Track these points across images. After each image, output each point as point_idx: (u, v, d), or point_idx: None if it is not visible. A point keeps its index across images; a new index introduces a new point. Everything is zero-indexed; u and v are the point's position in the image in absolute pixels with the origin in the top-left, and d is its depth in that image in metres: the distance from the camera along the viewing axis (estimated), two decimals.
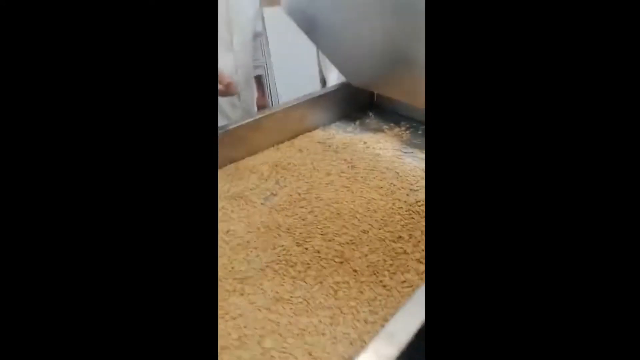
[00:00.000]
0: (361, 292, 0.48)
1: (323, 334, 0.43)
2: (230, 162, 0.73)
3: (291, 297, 0.47)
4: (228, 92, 0.66)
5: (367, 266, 0.52)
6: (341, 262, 0.53)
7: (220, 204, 0.63)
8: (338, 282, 0.50)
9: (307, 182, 0.68)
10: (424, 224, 0.58)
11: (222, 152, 0.72)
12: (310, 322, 0.44)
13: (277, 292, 0.48)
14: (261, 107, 1.06)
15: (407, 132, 0.85)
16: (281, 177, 0.70)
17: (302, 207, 0.63)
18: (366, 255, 0.54)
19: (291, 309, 0.46)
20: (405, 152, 0.78)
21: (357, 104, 0.94)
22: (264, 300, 0.47)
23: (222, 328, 0.43)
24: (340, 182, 0.69)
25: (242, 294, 0.48)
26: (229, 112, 0.94)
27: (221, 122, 0.84)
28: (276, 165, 0.73)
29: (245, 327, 0.44)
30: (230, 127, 0.73)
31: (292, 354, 0.41)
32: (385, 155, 0.77)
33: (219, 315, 0.45)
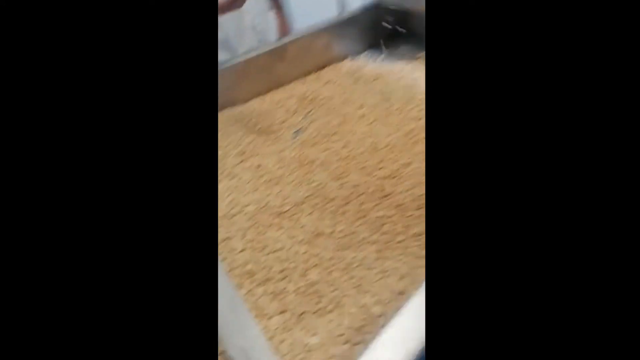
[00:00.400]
0: (408, 227, 0.44)
1: (370, 268, 0.40)
2: (256, 97, 0.66)
3: (333, 231, 0.44)
4: (233, 5, 0.56)
5: (412, 200, 0.47)
6: (383, 197, 0.48)
7: (248, 139, 0.58)
8: (382, 217, 0.45)
9: (338, 116, 0.62)
10: None
11: (246, 85, 0.65)
12: (355, 256, 0.41)
13: (317, 227, 0.44)
14: (283, 34, 0.94)
15: None
16: (310, 111, 0.63)
17: (335, 141, 0.57)
18: (409, 189, 0.48)
19: (334, 243, 0.42)
20: None
21: (387, 30, 0.82)
22: (304, 234, 0.43)
23: (263, 261, 0.41)
24: (375, 115, 0.61)
25: (280, 228, 0.44)
26: (247, 41, 0.84)
27: (238, 52, 0.75)
28: (303, 99, 0.66)
29: (287, 260, 0.41)
30: (251, 55, 0.65)
31: (339, 288, 0.38)
32: (422, 85, 0.68)
33: (258, 249, 0.42)
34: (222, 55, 0.68)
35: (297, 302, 0.37)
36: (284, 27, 0.93)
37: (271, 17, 0.91)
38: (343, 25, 0.75)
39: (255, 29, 0.86)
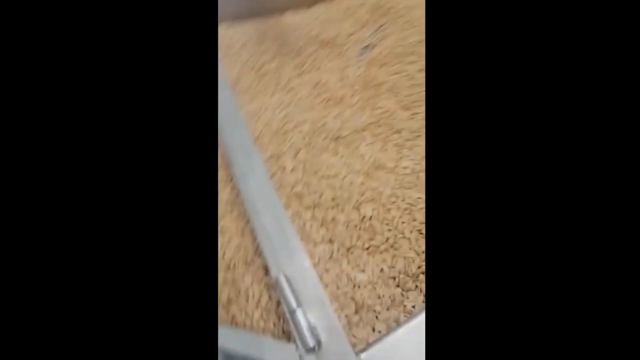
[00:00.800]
0: None
1: None
2: (322, 1, 0.56)
3: (396, 166, 0.38)
4: None
5: None
6: None
7: (309, 50, 0.50)
8: None
9: (418, 32, 0.51)
10: None
11: None
12: (420, 198, 0.35)
13: (378, 159, 0.38)
14: None
15: None
16: (383, 24, 0.53)
17: (410, 62, 0.47)
18: None
19: (396, 179, 0.37)
20: None
21: None
22: (362, 164, 0.38)
23: (314, 185, 0.37)
24: None
25: (336, 154, 0.39)
26: None
27: None
28: (377, 9, 0.55)
29: (340, 188, 0.36)
30: None
31: (397, 228, 0.33)
32: None
33: (310, 172, 0.38)
34: None
35: (347, 234, 0.33)
36: None
37: None
38: None
39: None
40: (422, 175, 0.37)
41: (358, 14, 0.54)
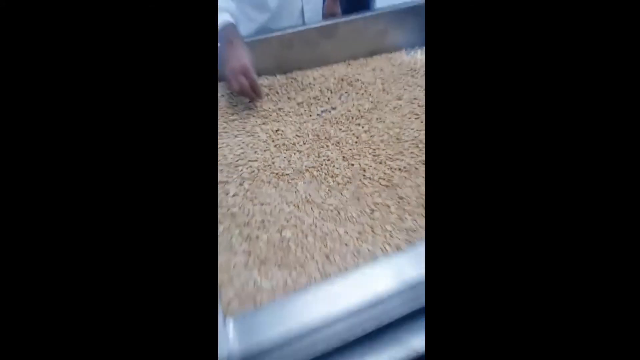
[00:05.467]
0: (401, 220, 0.46)
1: (346, 245, 0.43)
2: (298, 69, 0.73)
3: (323, 202, 0.48)
4: (252, 93, 0.58)
5: (417, 197, 0.48)
6: (387, 186, 0.50)
7: (277, 106, 0.64)
8: (378, 204, 0.48)
9: (371, 102, 0.65)
10: None
11: (290, 56, 0.72)
12: (335, 229, 0.44)
13: (310, 195, 0.49)
14: (331, 15, 0.95)
15: None
16: (345, 92, 0.68)
17: (358, 124, 0.61)
18: (419, 186, 0.50)
19: (320, 213, 0.46)
20: None
21: None
22: (295, 198, 0.48)
23: (249, 208, 0.46)
24: (410, 109, 0.63)
25: (275, 187, 0.50)
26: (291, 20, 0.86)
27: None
28: (342, 80, 0.70)
29: (270, 214, 0.46)
30: (301, 28, 0.71)
31: (309, 251, 0.42)
32: None
33: (248, 198, 0.48)
34: (261, 17, 0.74)
35: (265, 249, 0.42)
36: (333, 9, 0.92)
37: None
38: (410, 12, 0.77)
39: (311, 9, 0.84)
40: (344, 213, 0.46)
41: (327, 83, 0.70)
